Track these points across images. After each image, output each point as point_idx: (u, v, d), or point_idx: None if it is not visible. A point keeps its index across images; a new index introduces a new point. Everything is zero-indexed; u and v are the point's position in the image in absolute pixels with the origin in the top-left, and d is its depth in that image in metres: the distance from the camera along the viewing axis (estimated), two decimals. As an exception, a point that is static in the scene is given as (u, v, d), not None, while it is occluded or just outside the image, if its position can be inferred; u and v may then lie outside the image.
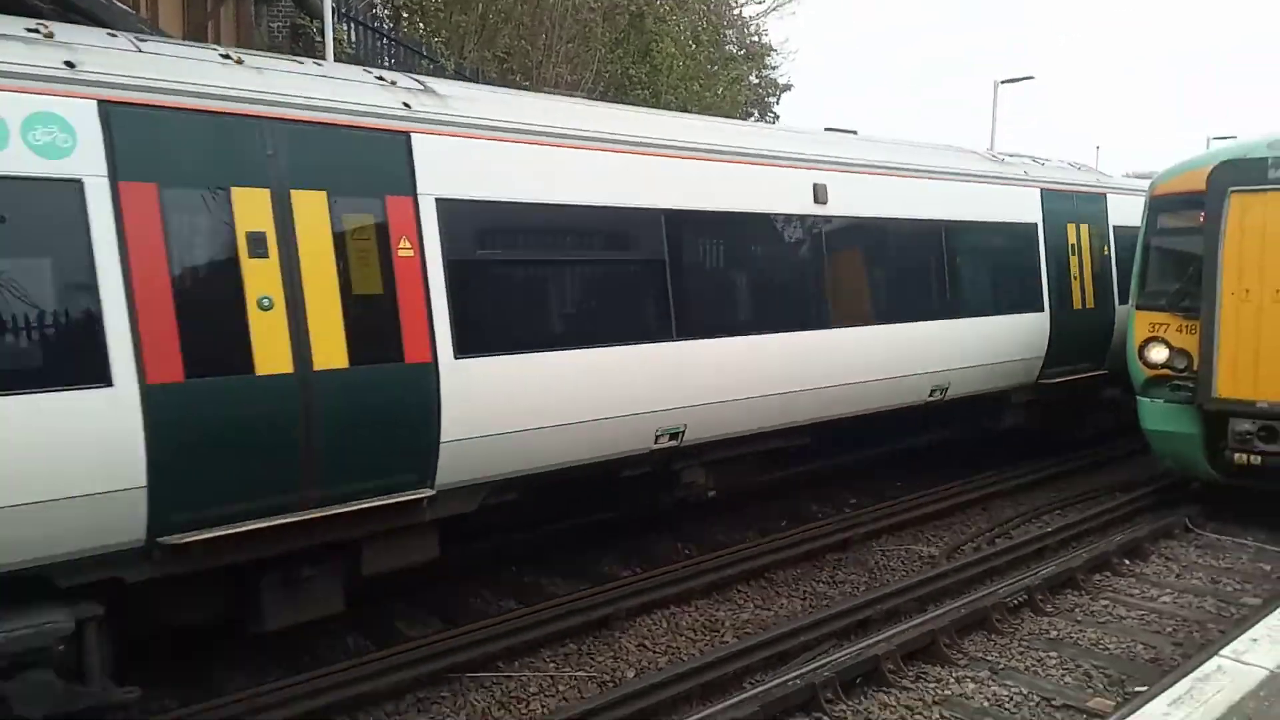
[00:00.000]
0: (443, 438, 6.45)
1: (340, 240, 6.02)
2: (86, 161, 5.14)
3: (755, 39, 30.26)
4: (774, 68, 30.87)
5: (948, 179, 10.86)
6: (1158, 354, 10.37)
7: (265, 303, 5.69)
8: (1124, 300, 11.94)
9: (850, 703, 6.33)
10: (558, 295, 7.53)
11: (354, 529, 6.22)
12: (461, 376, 6.49)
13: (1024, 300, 11.59)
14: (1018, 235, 11.69)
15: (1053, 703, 6.36)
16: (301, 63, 6.59)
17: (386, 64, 17.08)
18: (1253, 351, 9.45)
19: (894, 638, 7.02)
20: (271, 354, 5.69)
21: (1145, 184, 11.69)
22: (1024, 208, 11.79)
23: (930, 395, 10.48)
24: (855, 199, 9.52)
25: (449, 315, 6.44)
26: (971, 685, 6.62)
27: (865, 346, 9.54)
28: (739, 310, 8.68)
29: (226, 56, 6.04)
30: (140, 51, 5.64)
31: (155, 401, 5.24)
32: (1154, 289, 10.63)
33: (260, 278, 5.68)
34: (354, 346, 6.02)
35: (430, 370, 6.36)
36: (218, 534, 5.53)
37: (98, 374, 5.09)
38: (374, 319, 6.15)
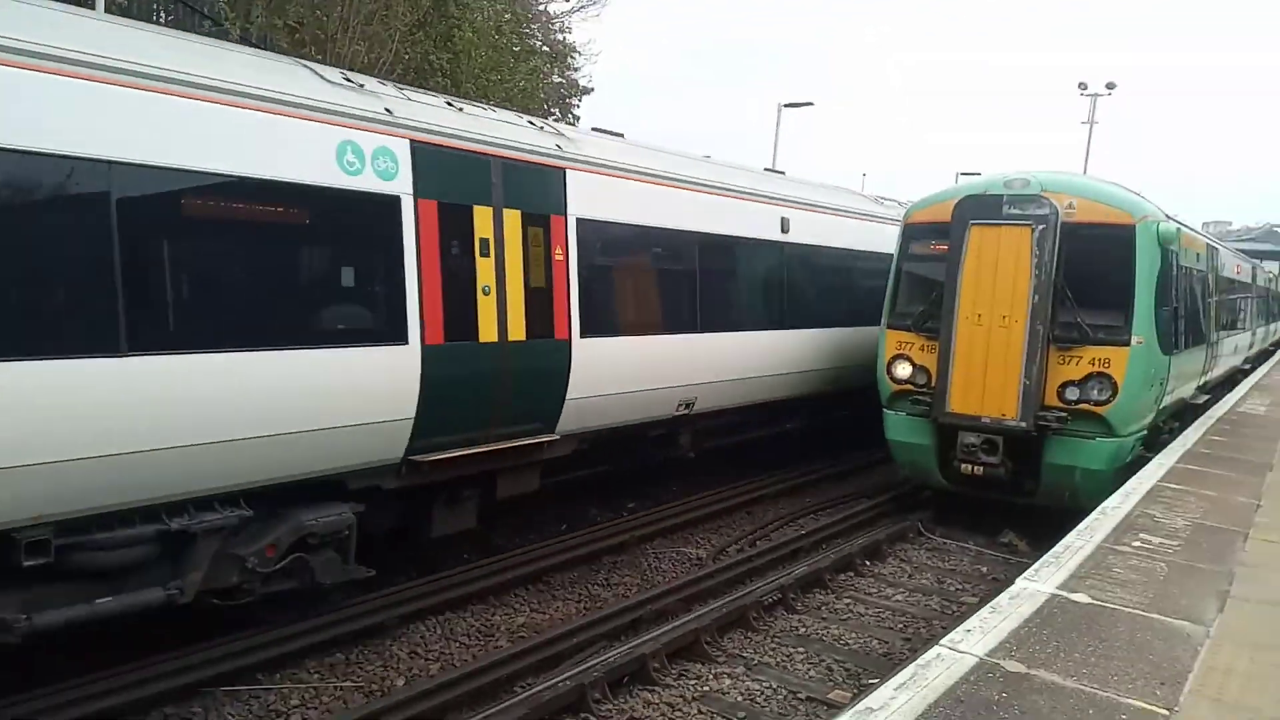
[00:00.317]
0: (568, 396, 8.76)
1: (526, 246, 8.27)
2: (404, 183, 7.23)
3: (560, 37, 30.35)
4: (577, 69, 31.09)
5: (858, 218, 14.18)
6: (902, 370, 11.44)
7: (486, 289, 7.89)
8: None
9: (617, 702, 6.61)
10: (636, 294, 10.00)
11: (508, 460, 8.42)
12: (582, 351, 8.82)
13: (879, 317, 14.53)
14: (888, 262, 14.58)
15: (799, 696, 6.94)
16: (485, 107, 8.79)
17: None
18: (981, 371, 10.57)
19: (661, 637, 7.39)
20: (488, 327, 7.91)
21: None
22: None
23: (827, 386, 13.59)
24: (804, 231, 12.57)
25: (578, 304, 8.78)
26: (728, 681, 7.09)
27: (807, 344, 12.64)
28: (734, 312, 11.38)
29: (450, 104, 8.18)
30: (409, 100, 7.68)
31: (429, 357, 7.33)
32: (903, 310, 11.68)
33: (485, 271, 7.89)
34: (530, 324, 8.30)
35: (567, 345, 8.71)
36: (444, 456, 7.66)
37: (401, 335, 7.17)
38: (541, 305, 8.43)
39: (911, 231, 11.80)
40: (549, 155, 8.64)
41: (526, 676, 6.86)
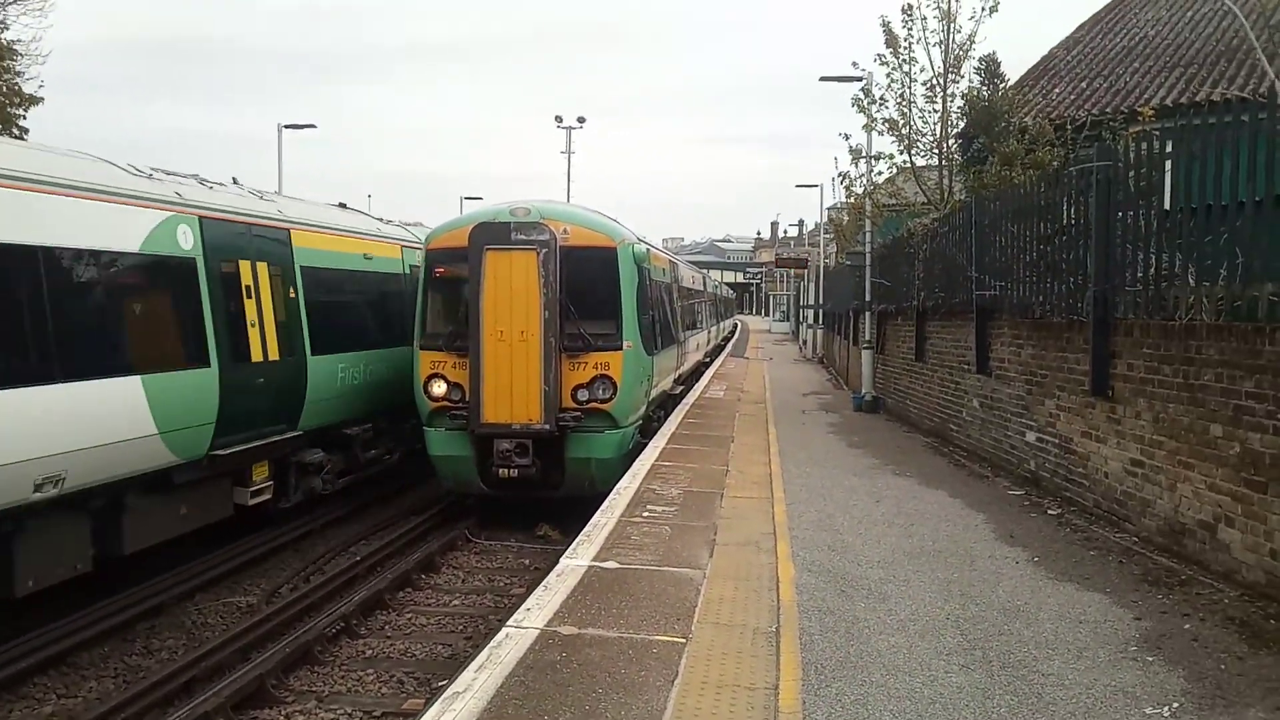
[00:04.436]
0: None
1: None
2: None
3: (-11, 32, 25.78)
4: (19, 74, 26.65)
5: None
6: (438, 388, 12.09)
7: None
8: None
9: (183, 769, 6.25)
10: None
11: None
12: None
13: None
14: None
15: (374, 714, 7.15)
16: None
17: None
18: (508, 383, 11.62)
19: (222, 691, 7.08)
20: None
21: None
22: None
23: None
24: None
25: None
26: (300, 718, 7.05)
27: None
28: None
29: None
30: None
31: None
32: (433, 331, 12.33)
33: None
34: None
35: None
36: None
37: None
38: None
39: (433, 257, 12.49)
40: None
41: (67, 770, 6.15)
